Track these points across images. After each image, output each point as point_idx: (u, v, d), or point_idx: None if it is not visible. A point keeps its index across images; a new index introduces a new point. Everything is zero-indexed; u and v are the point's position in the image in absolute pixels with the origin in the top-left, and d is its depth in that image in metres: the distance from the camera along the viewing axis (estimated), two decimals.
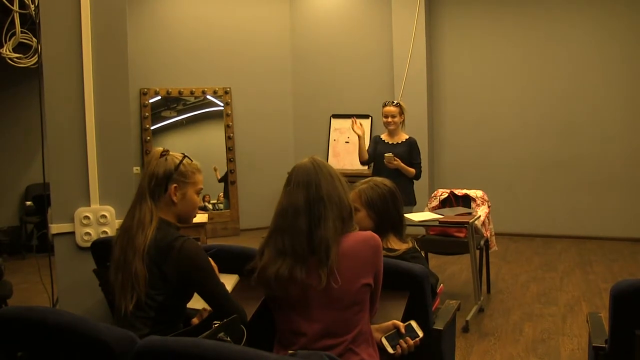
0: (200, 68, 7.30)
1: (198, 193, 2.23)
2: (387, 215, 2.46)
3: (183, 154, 2.20)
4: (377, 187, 2.48)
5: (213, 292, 2.07)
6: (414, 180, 4.70)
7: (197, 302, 2.24)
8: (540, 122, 6.77)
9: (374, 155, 4.76)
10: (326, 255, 1.83)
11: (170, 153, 2.18)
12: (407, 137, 4.76)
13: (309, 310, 1.87)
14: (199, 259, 2.07)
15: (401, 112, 4.71)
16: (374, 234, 1.95)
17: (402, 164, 4.57)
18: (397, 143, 4.74)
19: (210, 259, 2.15)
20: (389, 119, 4.68)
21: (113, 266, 2.09)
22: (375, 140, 4.86)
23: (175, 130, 7.29)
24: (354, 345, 1.85)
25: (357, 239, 1.90)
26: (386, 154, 4.56)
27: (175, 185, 2.13)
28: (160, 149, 2.20)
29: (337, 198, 1.91)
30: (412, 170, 4.62)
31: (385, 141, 4.78)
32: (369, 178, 2.58)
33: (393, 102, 4.75)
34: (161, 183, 2.12)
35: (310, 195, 1.88)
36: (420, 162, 4.72)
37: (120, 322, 2.03)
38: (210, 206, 7.28)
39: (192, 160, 2.20)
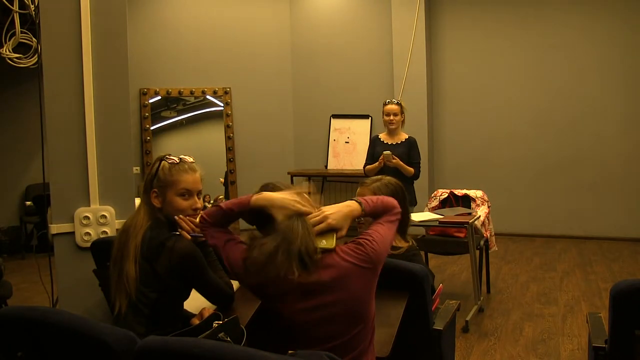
0: (200, 68, 7.31)
1: (182, 194, 2.16)
2: None
3: (161, 157, 2.20)
4: (390, 184, 2.52)
5: (206, 285, 2.16)
6: (413, 180, 4.68)
7: (194, 305, 2.25)
8: (540, 122, 6.77)
9: (374, 157, 4.69)
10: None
11: (167, 157, 2.20)
12: (407, 136, 4.72)
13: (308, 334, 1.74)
14: (191, 258, 2.09)
15: (402, 111, 4.68)
16: (370, 249, 1.79)
17: (401, 163, 4.51)
18: (397, 143, 4.69)
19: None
20: (391, 118, 4.64)
21: (112, 261, 2.14)
22: (374, 141, 4.80)
23: (175, 130, 7.30)
24: (361, 357, 1.79)
25: (355, 258, 1.76)
26: (384, 152, 4.49)
27: (154, 190, 2.16)
28: (163, 154, 2.24)
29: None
30: (411, 169, 4.56)
31: (384, 142, 4.72)
32: (380, 176, 2.61)
33: (394, 101, 4.71)
34: (147, 189, 2.18)
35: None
36: (420, 162, 4.67)
37: (116, 319, 2.06)
38: (210, 206, 7.28)
39: (174, 164, 2.16)
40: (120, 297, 2.05)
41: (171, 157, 2.20)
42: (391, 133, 4.72)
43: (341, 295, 1.73)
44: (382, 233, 1.86)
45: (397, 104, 4.68)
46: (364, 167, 4.78)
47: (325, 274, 1.73)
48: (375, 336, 1.91)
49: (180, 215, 2.17)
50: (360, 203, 1.90)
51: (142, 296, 2.04)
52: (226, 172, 7.36)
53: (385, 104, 4.71)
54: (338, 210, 1.84)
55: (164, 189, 2.15)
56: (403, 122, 4.72)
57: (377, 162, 4.56)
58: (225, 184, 7.37)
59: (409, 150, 4.64)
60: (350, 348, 1.75)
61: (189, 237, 2.14)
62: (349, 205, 1.88)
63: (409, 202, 4.46)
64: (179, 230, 2.17)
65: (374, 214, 1.93)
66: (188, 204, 2.18)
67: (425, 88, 6.92)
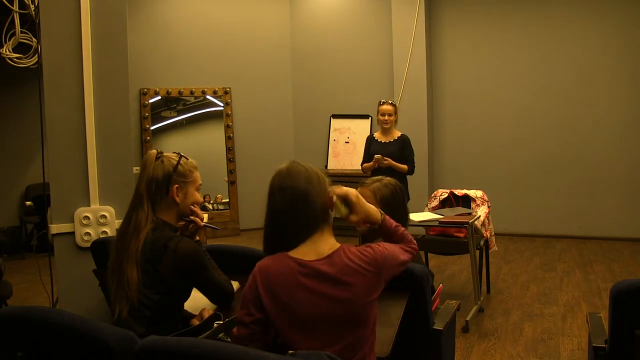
0: (200, 68, 7.30)
1: (198, 190, 2.25)
2: (397, 213, 2.49)
3: (178, 153, 2.21)
4: (390, 184, 2.55)
5: (209, 284, 2.17)
6: (408, 176, 4.85)
7: (194, 305, 2.24)
8: (540, 122, 6.77)
9: (369, 155, 4.92)
10: None
11: (165, 154, 2.19)
12: (400, 134, 4.96)
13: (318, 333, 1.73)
14: (195, 258, 2.10)
15: (395, 112, 4.95)
16: (378, 253, 1.81)
17: (393, 162, 4.76)
18: (390, 141, 4.93)
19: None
20: (385, 117, 4.90)
21: (109, 270, 2.12)
22: (369, 141, 5.05)
23: (175, 130, 7.29)
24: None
25: (360, 260, 1.77)
26: (375, 156, 4.75)
27: (176, 185, 2.15)
28: (154, 151, 2.19)
29: None
30: (405, 166, 4.80)
31: (379, 140, 4.98)
32: (380, 176, 2.64)
33: (389, 102, 4.96)
34: (162, 186, 2.13)
35: None
36: (414, 158, 4.90)
37: (117, 324, 2.03)
38: (210, 206, 7.28)
39: (187, 159, 2.21)
40: (121, 304, 2.03)
41: (170, 154, 2.21)
42: (385, 132, 4.98)
43: (342, 294, 1.73)
44: (393, 250, 1.90)
45: (392, 104, 4.95)
46: (361, 164, 5.05)
47: (330, 269, 1.73)
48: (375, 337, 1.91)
49: (194, 206, 2.24)
50: (383, 215, 1.96)
51: (145, 298, 2.03)
52: (227, 173, 7.36)
53: (380, 104, 4.97)
54: (364, 202, 1.91)
55: (186, 184, 2.19)
56: (396, 121, 4.99)
57: (371, 163, 4.81)
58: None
59: (402, 148, 4.89)
60: (350, 353, 1.75)
61: (202, 224, 2.25)
62: (374, 209, 1.94)
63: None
64: (193, 217, 2.23)
65: (387, 232, 1.98)
66: (201, 197, 2.29)
67: (425, 88, 6.92)
